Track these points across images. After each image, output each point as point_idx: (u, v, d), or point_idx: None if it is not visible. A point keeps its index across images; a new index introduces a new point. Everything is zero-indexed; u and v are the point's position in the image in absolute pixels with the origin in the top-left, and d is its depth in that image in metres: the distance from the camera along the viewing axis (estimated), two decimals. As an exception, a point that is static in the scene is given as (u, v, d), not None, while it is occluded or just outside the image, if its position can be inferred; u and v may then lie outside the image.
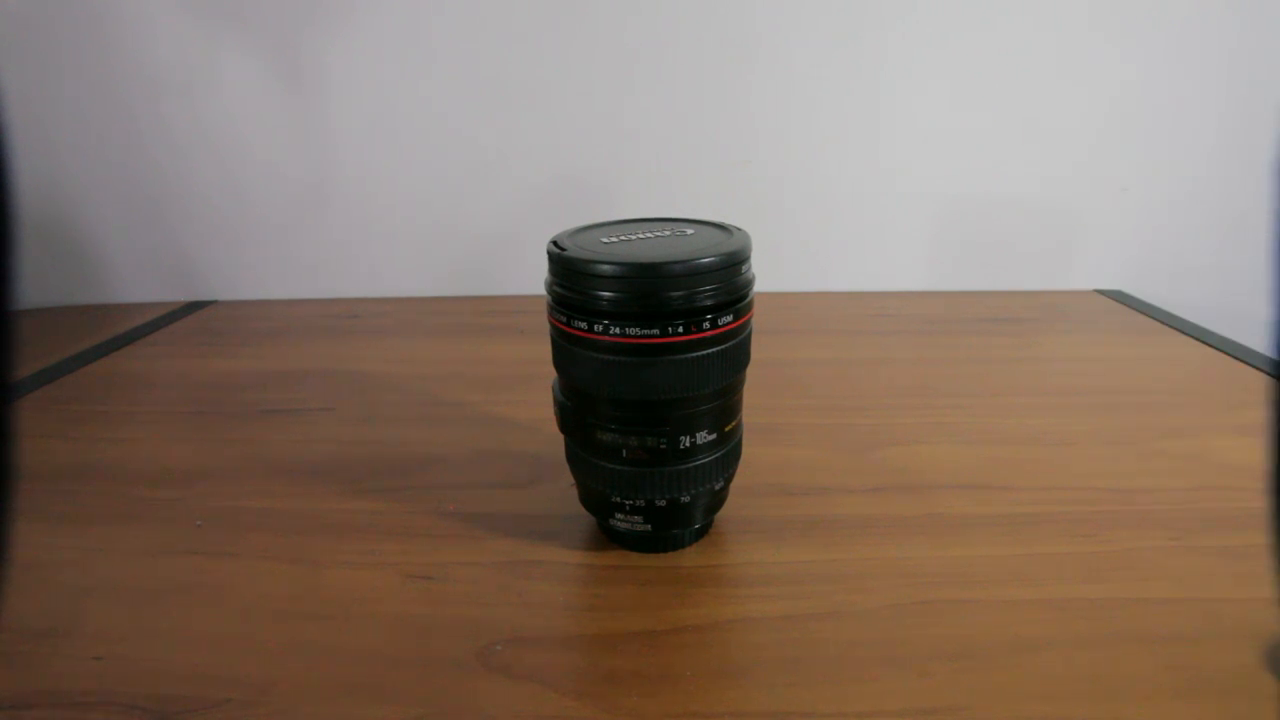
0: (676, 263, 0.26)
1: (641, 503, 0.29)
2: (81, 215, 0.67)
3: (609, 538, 0.32)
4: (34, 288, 0.68)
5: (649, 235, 0.29)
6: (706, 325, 0.26)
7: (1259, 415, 0.41)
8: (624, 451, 0.28)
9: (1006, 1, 0.59)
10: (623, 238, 0.29)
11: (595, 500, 0.31)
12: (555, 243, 0.28)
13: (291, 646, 0.27)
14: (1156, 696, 0.24)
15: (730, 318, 0.27)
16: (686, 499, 0.29)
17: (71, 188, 0.65)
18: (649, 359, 0.26)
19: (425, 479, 0.38)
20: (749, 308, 0.28)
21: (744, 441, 0.31)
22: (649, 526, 0.30)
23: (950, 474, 0.37)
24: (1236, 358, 0.50)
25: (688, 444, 0.28)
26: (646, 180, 0.65)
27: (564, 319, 0.27)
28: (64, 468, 0.39)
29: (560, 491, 0.35)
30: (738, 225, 0.30)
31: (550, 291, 0.28)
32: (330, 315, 0.64)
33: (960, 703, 0.24)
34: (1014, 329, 0.58)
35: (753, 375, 0.31)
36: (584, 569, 0.31)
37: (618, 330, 0.26)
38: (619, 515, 0.30)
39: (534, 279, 0.32)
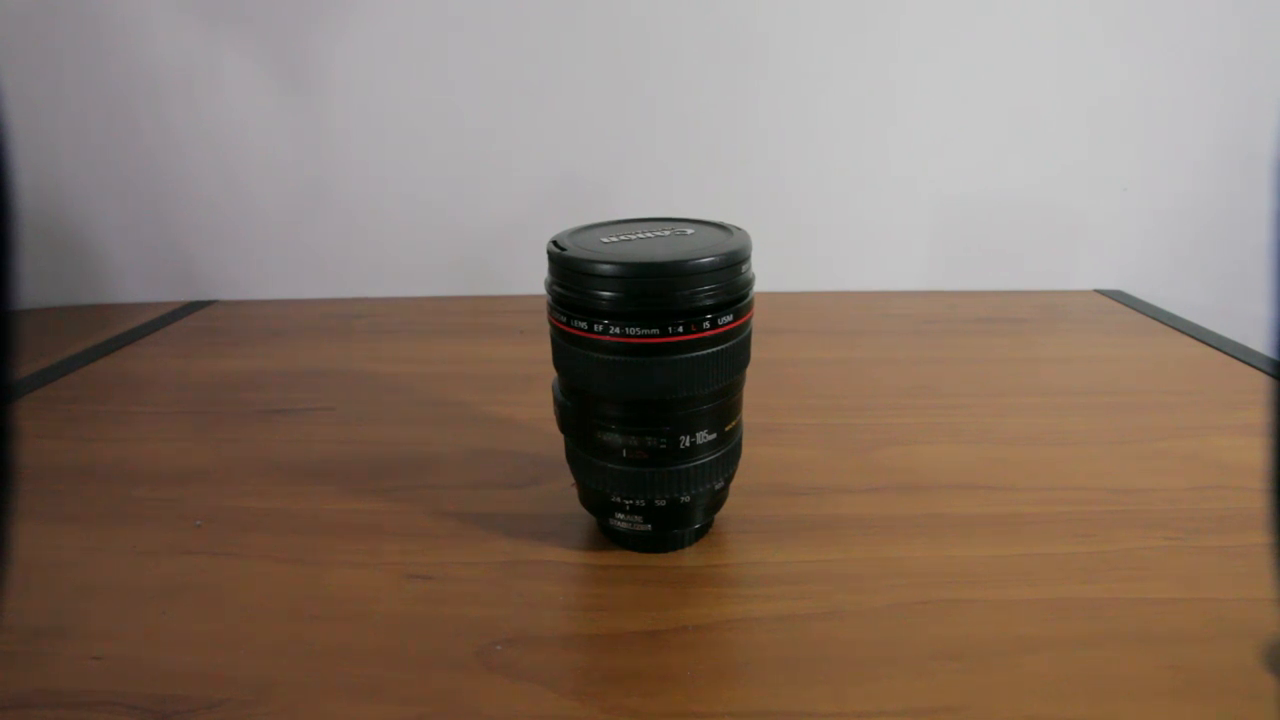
0: (676, 262, 0.26)
1: (642, 503, 0.29)
2: (81, 215, 0.67)
3: (609, 538, 0.32)
4: (34, 288, 0.68)
5: (649, 235, 0.29)
6: (706, 325, 0.26)
7: (1259, 415, 0.41)
8: (624, 451, 0.28)
9: (1007, 1, 0.59)
10: (622, 237, 0.29)
11: (595, 500, 0.31)
12: (555, 242, 0.28)
13: (291, 646, 0.27)
14: (1156, 696, 0.24)
15: (730, 317, 0.27)
16: (687, 499, 0.29)
17: (71, 188, 0.65)
18: (649, 359, 0.26)
19: (425, 479, 0.38)
20: (749, 307, 0.28)
21: (744, 441, 0.31)
22: (649, 526, 0.30)
23: (950, 474, 0.37)
24: (1236, 358, 0.50)
25: (688, 444, 0.28)
26: (646, 180, 0.65)
27: (564, 319, 0.27)
28: (64, 468, 0.39)
29: (560, 491, 0.35)
30: (738, 225, 0.30)
31: (550, 291, 0.28)
32: (330, 315, 0.64)
33: (960, 703, 0.24)
34: (1014, 329, 0.58)
35: (753, 375, 0.31)
36: (584, 569, 0.31)
37: (618, 330, 0.26)
38: (619, 515, 0.30)
39: (534, 279, 0.32)
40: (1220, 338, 0.54)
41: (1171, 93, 0.61)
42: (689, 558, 0.31)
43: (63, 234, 0.67)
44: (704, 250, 0.26)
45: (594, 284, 0.26)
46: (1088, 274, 0.67)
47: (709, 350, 0.27)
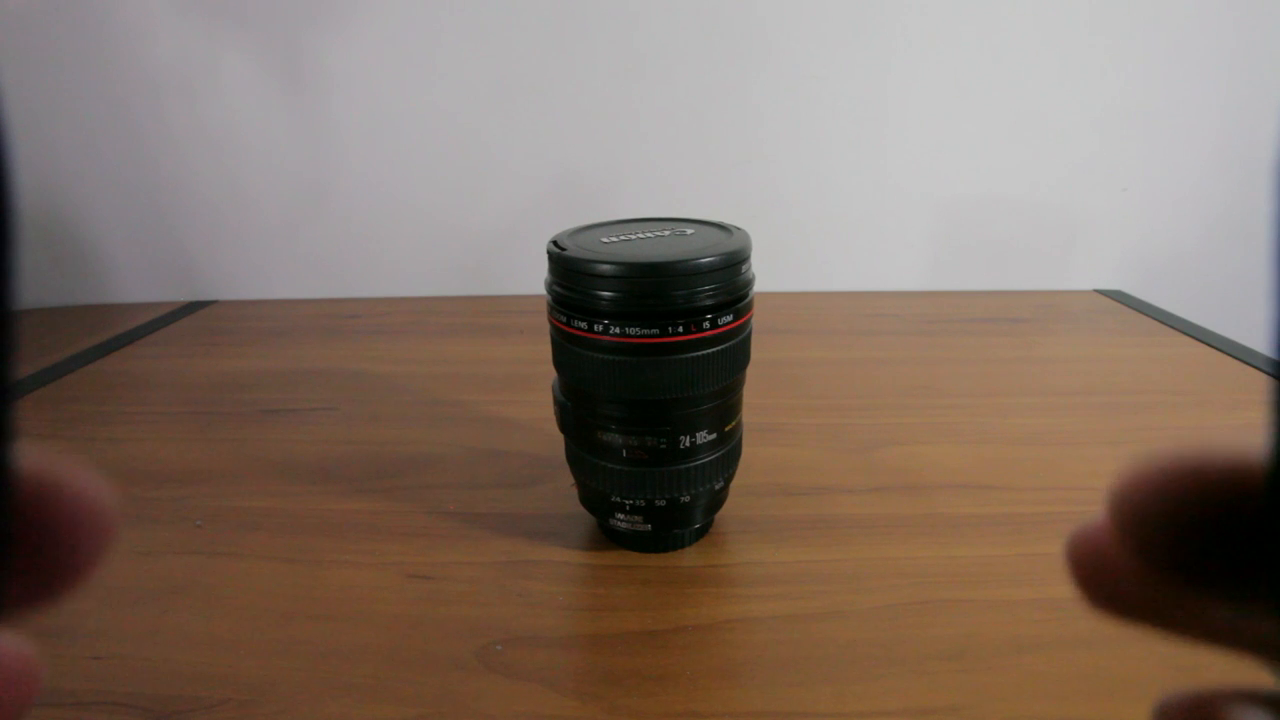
0: (676, 262, 0.26)
1: (642, 502, 0.29)
2: (81, 215, 0.67)
3: (609, 538, 0.32)
4: (34, 288, 0.68)
5: (649, 235, 0.29)
6: (706, 325, 0.26)
7: (1259, 415, 0.41)
8: (624, 451, 0.28)
9: (1007, 2, 0.59)
10: (623, 237, 0.29)
11: (595, 500, 0.31)
12: (555, 242, 0.28)
13: (291, 646, 0.27)
14: (1156, 697, 0.24)
15: (730, 317, 0.27)
16: (687, 499, 0.29)
17: (71, 188, 0.65)
18: (649, 359, 0.26)
19: (425, 479, 0.38)
20: (749, 307, 0.28)
21: (744, 441, 0.31)
22: (649, 526, 0.30)
23: (950, 474, 0.37)
24: (1236, 358, 0.50)
25: (688, 444, 0.28)
26: (646, 180, 0.65)
27: (564, 319, 0.27)
28: (64, 468, 0.39)
29: (560, 491, 0.35)
30: (738, 225, 0.30)
31: (550, 291, 0.28)
32: (330, 315, 0.64)
33: (960, 703, 0.24)
34: (1014, 329, 0.58)
35: (753, 375, 0.31)
36: (584, 569, 0.31)
37: (618, 330, 0.26)
38: (619, 515, 0.30)
39: (534, 279, 0.32)
40: (1220, 338, 0.54)
41: (1171, 93, 0.61)
42: (689, 558, 0.31)
43: (63, 234, 0.67)
44: (704, 250, 0.26)
45: (594, 284, 0.26)
46: (1088, 274, 0.67)
47: (709, 350, 0.27)
